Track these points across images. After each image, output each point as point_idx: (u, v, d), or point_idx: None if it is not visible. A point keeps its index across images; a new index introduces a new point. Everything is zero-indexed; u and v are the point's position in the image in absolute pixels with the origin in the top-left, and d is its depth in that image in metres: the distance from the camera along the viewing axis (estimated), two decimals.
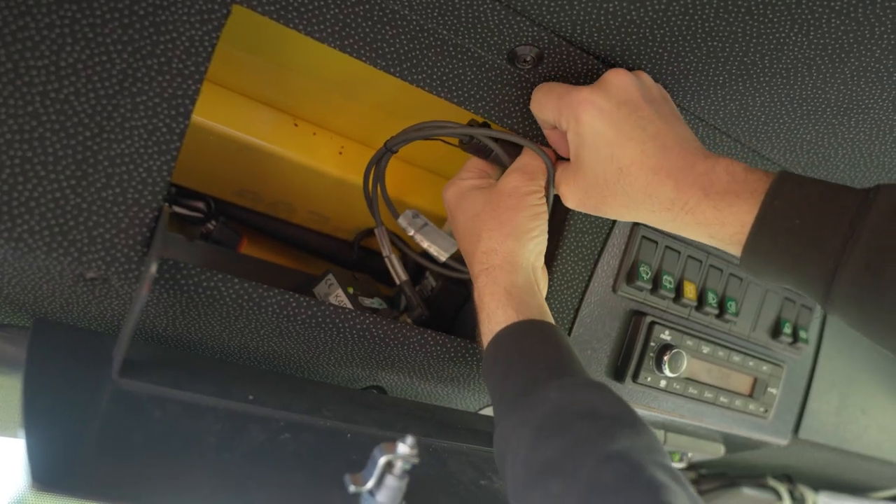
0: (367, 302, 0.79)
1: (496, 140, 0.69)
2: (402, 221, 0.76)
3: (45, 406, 0.48)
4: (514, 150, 0.70)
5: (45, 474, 0.42)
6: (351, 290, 0.79)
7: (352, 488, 0.51)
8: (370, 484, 0.51)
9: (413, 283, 0.79)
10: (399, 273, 0.76)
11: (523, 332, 0.62)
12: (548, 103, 0.64)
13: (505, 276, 0.64)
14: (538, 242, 0.67)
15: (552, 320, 0.64)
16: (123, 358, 0.54)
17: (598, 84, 0.62)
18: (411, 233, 0.76)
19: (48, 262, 0.52)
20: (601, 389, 0.55)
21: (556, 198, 0.69)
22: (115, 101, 0.52)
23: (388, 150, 0.72)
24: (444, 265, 0.77)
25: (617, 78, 0.61)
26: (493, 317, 0.63)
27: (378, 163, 0.73)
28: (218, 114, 0.74)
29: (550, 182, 0.68)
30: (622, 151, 0.58)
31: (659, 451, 0.51)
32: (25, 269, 0.53)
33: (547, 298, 0.76)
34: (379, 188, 0.75)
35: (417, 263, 0.81)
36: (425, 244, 0.76)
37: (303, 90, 0.76)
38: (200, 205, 0.83)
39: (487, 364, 0.63)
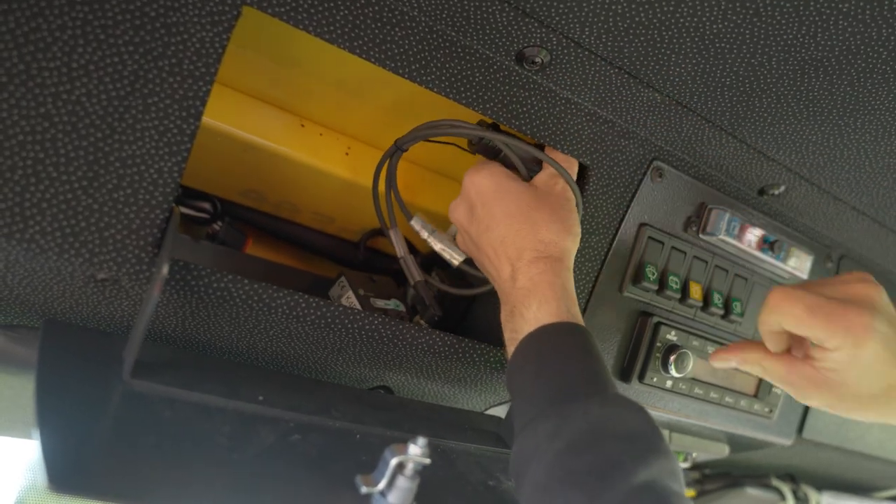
0: (380, 303, 0.79)
1: (507, 143, 0.69)
2: (415, 224, 0.76)
3: (58, 407, 0.48)
4: (526, 155, 0.70)
5: (60, 475, 0.42)
6: (361, 292, 0.79)
7: (363, 489, 0.51)
8: (382, 485, 0.51)
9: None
10: (414, 273, 0.75)
11: (567, 333, 0.61)
12: (814, 322, 0.63)
13: (563, 270, 0.64)
14: (577, 247, 0.69)
15: (579, 320, 0.64)
16: (135, 359, 0.54)
17: (868, 306, 0.63)
18: (425, 235, 0.76)
19: (59, 263, 0.52)
20: (639, 411, 0.56)
21: None
22: (126, 102, 0.53)
23: (399, 148, 0.72)
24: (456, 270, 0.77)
25: (881, 297, 0.64)
26: (545, 306, 0.62)
27: (389, 162, 0.73)
28: (224, 114, 0.74)
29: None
30: (893, 371, 0.62)
31: (679, 477, 0.51)
32: (37, 269, 0.53)
33: None
34: (391, 189, 0.75)
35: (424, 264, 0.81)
36: (438, 247, 0.76)
37: (310, 91, 0.76)
38: (206, 205, 0.83)
39: (523, 353, 0.61)
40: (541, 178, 0.70)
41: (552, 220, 0.66)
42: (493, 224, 0.67)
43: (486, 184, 0.68)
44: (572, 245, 0.67)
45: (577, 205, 0.70)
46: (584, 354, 0.59)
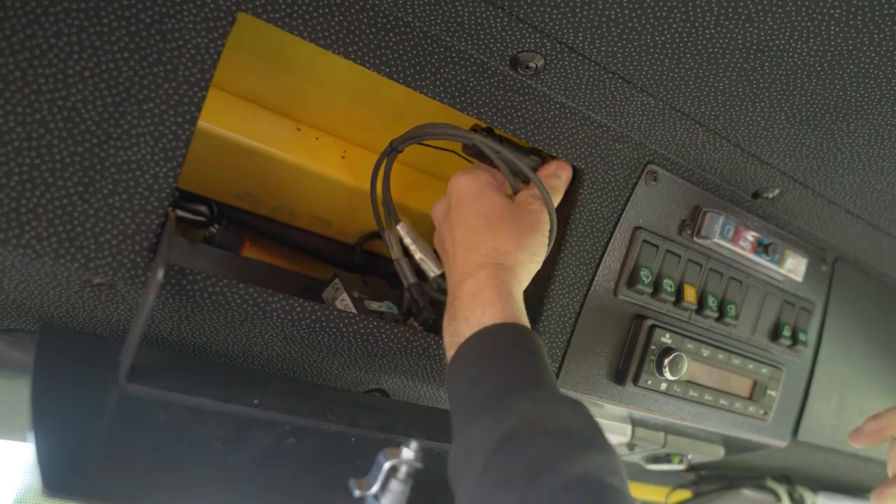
0: (373, 306, 0.80)
1: (498, 151, 0.70)
2: (400, 229, 0.76)
3: (53, 411, 0.49)
4: (520, 157, 0.71)
5: (55, 479, 0.42)
6: (356, 295, 0.79)
7: (357, 493, 0.52)
8: (375, 488, 0.51)
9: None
10: (408, 276, 0.76)
11: (509, 333, 0.60)
12: None
13: (511, 279, 0.64)
14: (537, 265, 0.68)
15: (526, 323, 0.63)
16: (131, 363, 0.54)
17: None
18: (408, 242, 0.76)
19: (55, 268, 0.53)
20: (575, 407, 0.54)
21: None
22: (121, 108, 0.53)
23: (394, 149, 0.72)
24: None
25: None
26: (489, 310, 0.61)
27: (385, 162, 0.74)
28: (221, 118, 0.75)
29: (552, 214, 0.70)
30: None
31: (620, 472, 0.50)
32: (33, 274, 0.53)
33: (548, 302, 0.77)
34: (385, 191, 0.75)
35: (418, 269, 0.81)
36: (418, 256, 0.76)
37: (306, 95, 0.76)
38: (203, 208, 0.84)
39: (462, 356, 0.60)
40: (522, 194, 0.71)
41: (514, 233, 0.66)
42: (459, 225, 0.68)
43: (466, 186, 0.69)
44: (527, 262, 0.67)
45: (550, 230, 0.70)
46: (523, 353, 0.58)
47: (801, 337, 0.97)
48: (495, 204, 0.68)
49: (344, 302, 0.79)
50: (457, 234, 0.67)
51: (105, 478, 0.46)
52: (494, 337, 0.59)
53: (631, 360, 0.82)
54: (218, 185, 0.84)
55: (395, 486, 0.51)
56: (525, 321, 0.62)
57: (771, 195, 0.88)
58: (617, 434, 0.94)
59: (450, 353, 0.61)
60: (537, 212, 0.69)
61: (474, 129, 0.72)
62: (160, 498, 0.47)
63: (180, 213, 0.82)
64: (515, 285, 0.64)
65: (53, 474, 0.43)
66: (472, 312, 0.61)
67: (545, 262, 0.76)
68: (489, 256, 0.65)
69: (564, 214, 0.76)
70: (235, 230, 0.87)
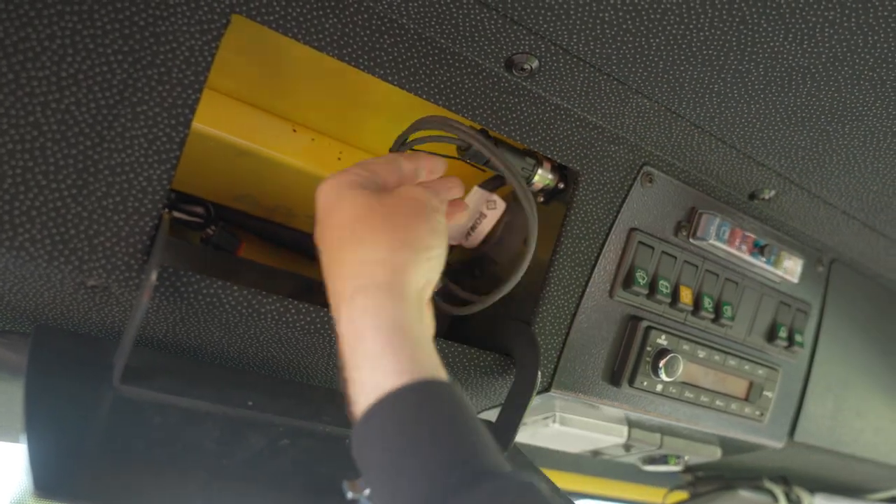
0: None
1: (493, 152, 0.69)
2: None
3: (46, 412, 0.49)
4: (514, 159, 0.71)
5: (46, 480, 0.42)
6: None
7: (350, 495, 0.52)
8: (368, 490, 0.51)
9: None
10: None
11: (421, 402, 0.45)
12: None
13: (392, 302, 0.48)
14: (434, 267, 0.53)
15: (444, 373, 0.48)
16: (125, 365, 0.54)
17: None
18: None
19: (49, 271, 0.53)
20: (527, 492, 0.43)
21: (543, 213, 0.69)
22: (115, 110, 0.53)
23: (406, 143, 0.70)
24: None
25: None
26: (378, 366, 0.45)
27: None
28: (217, 120, 0.75)
29: (534, 225, 0.67)
30: None
31: None
32: (27, 277, 0.54)
33: (543, 303, 0.77)
34: None
35: None
36: None
37: (301, 96, 0.76)
38: (200, 210, 0.84)
39: (366, 443, 0.45)
40: (405, 186, 0.57)
41: (382, 229, 0.50)
42: (324, 247, 0.53)
43: (326, 194, 0.54)
44: (414, 261, 0.50)
45: (529, 233, 0.58)
46: (447, 428, 0.44)
47: (798, 338, 0.97)
48: (362, 204, 0.52)
49: None
50: (323, 258, 0.53)
51: (98, 479, 0.46)
52: (398, 413, 0.44)
53: (627, 361, 0.82)
54: (215, 186, 0.84)
55: None
56: (425, 359, 0.47)
57: (767, 196, 0.88)
58: (613, 435, 0.94)
59: (351, 420, 0.47)
60: (420, 198, 0.54)
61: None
62: (154, 500, 0.47)
63: (177, 214, 0.82)
64: (400, 305, 0.48)
65: (45, 476, 0.43)
66: (358, 370, 0.46)
67: (541, 265, 0.76)
68: (357, 277, 0.49)
69: (560, 214, 0.76)
70: (232, 231, 0.87)
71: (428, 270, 0.52)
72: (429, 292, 0.53)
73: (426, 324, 0.50)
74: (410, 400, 0.44)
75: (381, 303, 0.47)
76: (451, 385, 0.46)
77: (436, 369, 0.47)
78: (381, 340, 0.46)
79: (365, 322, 0.47)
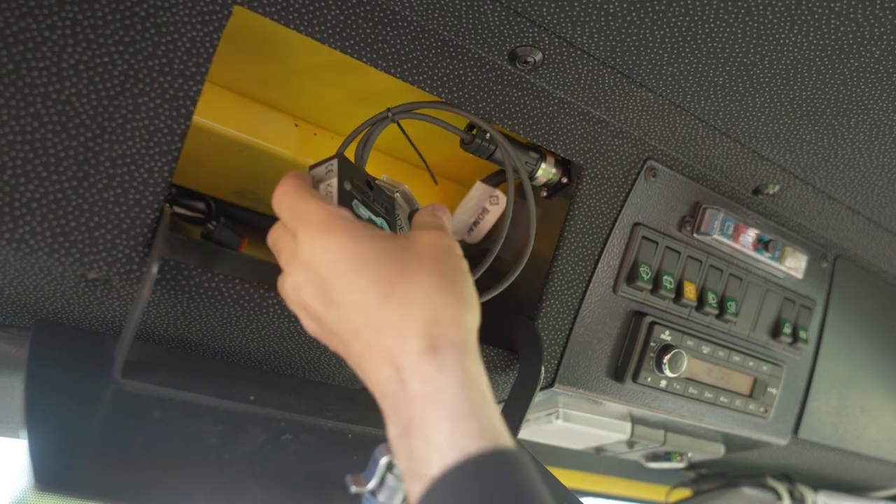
0: (361, 211, 0.59)
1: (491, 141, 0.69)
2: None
3: (46, 406, 0.48)
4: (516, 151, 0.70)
5: (47, 474, 0.42)
6: (347, 188, 0.58)
7: (353, 489, 0.51)
8: (371, 484, 0.51)
9: None
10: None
11: (506, 471, 0.43)
12: None
13: (471, 361, 0.46)
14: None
15: (508, 437, 0.45)
16: (125, 358, 0.54)
17: None
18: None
19: (50, 263, 0.52)
20: None
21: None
22: (116, 102, 0.53)
23: (391, 117, 0.66)
24: None
25: None
26: (461, 425, 0.43)
27: (373, 128, 0.67)
28: (218, 114, 0.74)
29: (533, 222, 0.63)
30: None
31: None
32: (27, 269, 0.53)
33: (547, 298, 0.76)
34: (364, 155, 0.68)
35: None
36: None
37: (303, 91, 0.76)
38: (201, 205, 0.83)
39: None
40: (426, 230, 0.52)
41: (441, 286, 0.48)
42: (359, 305, 0.47)
43: (337, 248, 0.48)
44: (473, 319, 0.49)
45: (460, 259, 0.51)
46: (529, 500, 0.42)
47: (802, 334, 0.96)
48: (389, 254, 0.49)
49: (329, 188, 0.58)
50: (358, 317, 0.48)
51: (98, 473, 0.46)
52: (486, 479, 0.42)
53: (630, 357, 0.82)
54: (216, 181, 0.83)
55: (392, 482, 0.51)
56: (501, 424, 0.45)
57: (771, 191, 0.87)
58: (616, 432, 0.94)
59: (414, 487, 0.44)
60: (454, 247, 0.52)
61: (471, 125, 0.72)
62: (154, 494, 0.47)
63: (178, 209, 0.81)
64: (477, 367, 0.46)
65: (46, 470, 0.42)
66: (435, 429, 0.43)
67: (544, 260, 0.76)
68: (430, 336, 0.46)
69: (563, 209, 0.76)
70: (234, 227, 0.87)
71: (478, 322, 0.50)
72: (477, 345, 0.50)
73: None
74: (495, 466, 0.43)
75: (462, 362, 0.45)
76: (523, 455, 0.45)
77: (507, 435, 0.45)
78: (465, 402, 0.44)
79: (449, 378, 0.45)
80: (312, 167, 0.59)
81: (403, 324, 0.46)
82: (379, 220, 0.60)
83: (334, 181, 0.57)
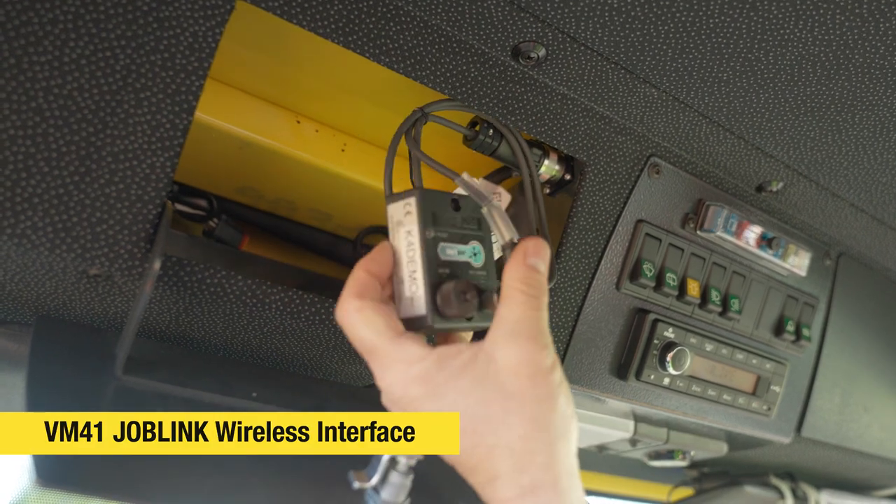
0: (450, 252, 0.55)
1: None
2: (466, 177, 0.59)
3: (48, 403, 0.48)
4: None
5: (48, 471, 0.42)
6: (431, 233, 0.55)
7: (356, 485, 0.51)
8: (374, 480, 0.51)
9: None
10: (504, 231, 0.57)
11: None
12: None
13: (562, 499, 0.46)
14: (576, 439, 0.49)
15: None
16: (127, 355, 0.53)
17: None
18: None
19: (51, 259, 0.52)
20: None
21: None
22: (118, 96, 0.52)
23: (425, 114, 0.63)
24: None
25: None
26: None
27: (413, 127, 0.62)
28: (220, 111, 0.74)
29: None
30: None
31: None
32: (29, 265, 0.53)
33: (550, 296, 0.76)
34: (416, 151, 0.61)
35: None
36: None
37: (305, 87, 0.76)
38: (202, 202, 0.83)
39: None
40: (501, 345, 0.49)
41: (522, 418, 0.46)
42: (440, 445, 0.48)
43: (400, 391, 0.49)
44: (565, 450, 0.48)
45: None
46: None
47: (805, 332, 0.96)
48: (481, 379, 0.48)
49: (409, 239, 0.54)
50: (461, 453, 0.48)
51: (100, 470, 0.45)
52: None
53: (633, 354, 0.81)
54: (217, 178, 0.83)
55: (395, 478, 0.51)
56: None
57: (775, 188, 0.87)
58: (619, 430, 0.93)
59: None
60: (536, 360, 0.48)
61: (474, 122, 0.71)
62: (155, 491, 0.47)
63: (179, 206, 0.81)
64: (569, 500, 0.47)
65: (47, 467, 0.42)
66: None
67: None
68: (517, 484, 0.46)
69: (566, 206, 0.76)
70: (235, 225, 0.86)
71: (574, 450, 0.49)
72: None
73: None
74: None
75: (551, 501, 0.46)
76: None
77: None
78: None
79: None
80: (389, 200, 0.56)
81: (492, 470, 0.46)
82: (470, 250, 0.57)
83: (415, 228, 0.54)
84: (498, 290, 0.52)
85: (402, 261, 0.54)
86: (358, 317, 0.50)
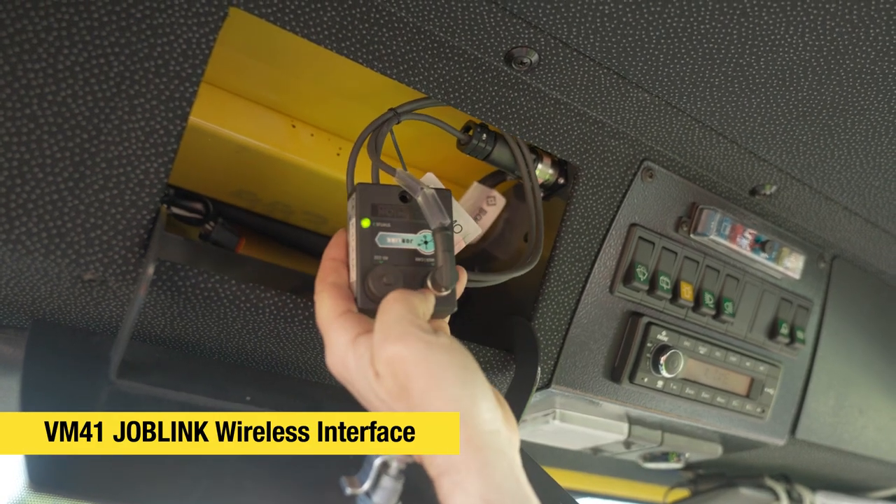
0: (391, 241, 0.59)
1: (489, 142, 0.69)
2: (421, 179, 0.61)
3: (42, 406, 0.48)
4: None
5: (42, 475, 0.42)
6: (372, 222, 0.58)
7: (348, 490, 0.51)
8: (366, 485, 0.51)
9: None
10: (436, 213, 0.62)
11: None
12: None
13: (519, 466, 0.49)
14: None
15: None
16: (121, 359, 0.54)
17: None
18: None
19: (46, 264, 0.52)
20: None
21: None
22: (112, 103, 0.53)
23: (397, 115, 0.65)
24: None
25: None
26: None
27: (380, 128, 0.64)
28: (216, 116, 0.75)
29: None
30: None
31: None
32: (23, 270, 0.53)
33: (543, 299, 0.76)
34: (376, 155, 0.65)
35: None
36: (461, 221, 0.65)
37: (300, 92, 0.76)
38: (199, 206, 0.83)
39: None
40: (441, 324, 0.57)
41: (482, 388, 0.51)
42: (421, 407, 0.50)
43: (412, 359, 0.50)
44: (505, 410, 0.53)
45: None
46: None
47: (799, 335, 0.96)
48: (456, 354, 0.51)
49: (353, 227, 0.59)
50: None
51: (94, 474, 0.46)
52: None
53: (627, 357, 0.82)
54: (213, 182, 0.84)
55: (387, 482, 0.51)
56: None
57: (768, 192, 0.87)
58: (614, 432, 0.94)
59: None
60: (460, 347, 0.53)
61: (468, 126, 0.72)
62: (150, 494, 0.47)
63: (175, 210, 0.81)
64: (521, 470, 0.49)
65: (41, 471, 0.43)
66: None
67: (541, 260, 0.76)
68: (482, 447, 0.48)
69: (560, 209, 0.76)
70: (232, 228, 0.87)
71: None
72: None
73: None
74: None
75: (515, 459, 0.49)
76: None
77: None
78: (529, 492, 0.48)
79: (516, 478, 0.47)
80: (349, 197, 0.61)
81: (483, 423, 0.49)
82: (419, 238, 0.60)
83: (354, 220, 0.59)
84: (435, 274, 0.57)
85: (351, 250, 0.59)
86: (316, 299, 0.56)
